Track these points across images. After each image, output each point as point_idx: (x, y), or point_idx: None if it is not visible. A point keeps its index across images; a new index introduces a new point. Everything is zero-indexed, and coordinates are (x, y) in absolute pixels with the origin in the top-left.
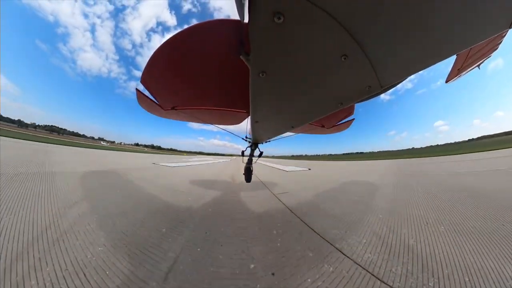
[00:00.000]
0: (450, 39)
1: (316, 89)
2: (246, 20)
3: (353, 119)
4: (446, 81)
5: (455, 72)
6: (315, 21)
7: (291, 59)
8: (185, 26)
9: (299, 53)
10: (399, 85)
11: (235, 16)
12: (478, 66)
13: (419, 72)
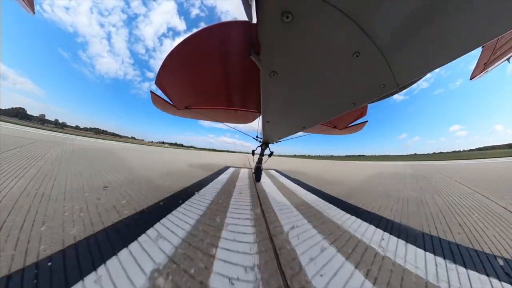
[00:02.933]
0: (475, 28)
1: (327, 89)
2: (254, 20)
3: (366, 121)
4: (471, 78)
5: (481, 67)
6: (325, 17)
7: (302, 58)
8: (194, 30)
9: (309, 52)
10: (413, 85)
11: (242, 17)
12: (508, 59)
13: (438, 70)
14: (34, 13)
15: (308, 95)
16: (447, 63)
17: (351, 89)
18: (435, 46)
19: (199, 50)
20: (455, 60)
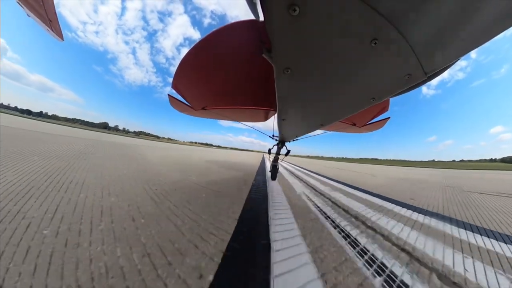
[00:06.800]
0: None
1: (343, 83)
2: (261, 18)
3: (389, 118)
4: None
5: None
6: (334, 4)
7: (314, 51)
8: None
9: (322, 44)
10: (446, 76)
11: (250, 16)
12: None
13: (475, 55)
14: (63, 40)
15: (324, 91)
16: (484, 42)
17: (370, 81)
18: (468, 20)
19: (211, 53)
20: (495, 40)
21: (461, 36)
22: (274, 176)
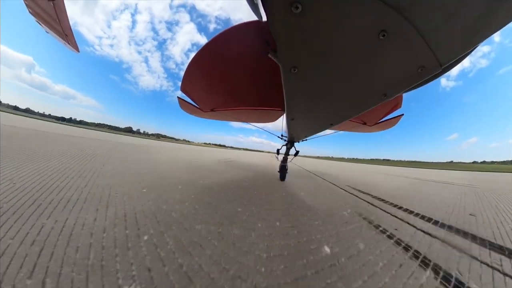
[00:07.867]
0: None
1: (352, 79)
2: (264, 18)
3: (402, 115)
4: None
5: None
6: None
7: (320, 48)
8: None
9: (327, 41)
10: (467, 65)
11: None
12: None
13: (498, 38)
14: (78, 52)
15: (333, 88)
16: (507, 23)
17: (380, 77)
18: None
19: (216, 55)
20: None
21: (478, 19)
22: (283, 176)
